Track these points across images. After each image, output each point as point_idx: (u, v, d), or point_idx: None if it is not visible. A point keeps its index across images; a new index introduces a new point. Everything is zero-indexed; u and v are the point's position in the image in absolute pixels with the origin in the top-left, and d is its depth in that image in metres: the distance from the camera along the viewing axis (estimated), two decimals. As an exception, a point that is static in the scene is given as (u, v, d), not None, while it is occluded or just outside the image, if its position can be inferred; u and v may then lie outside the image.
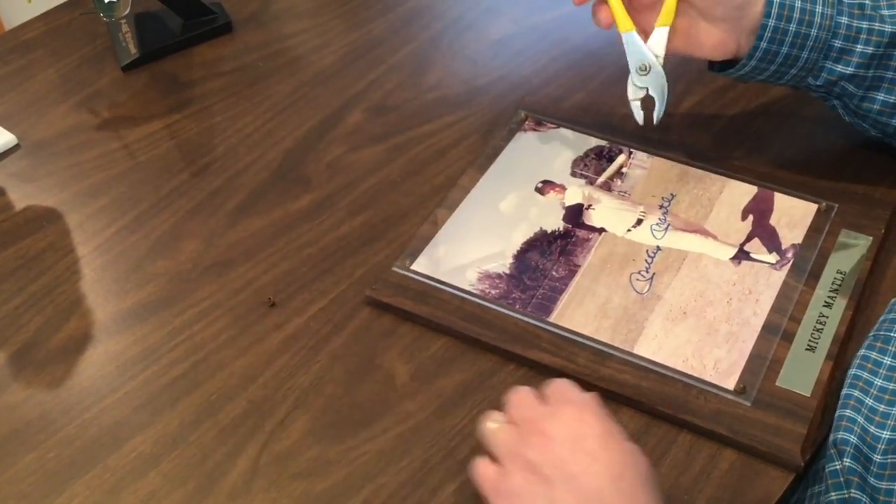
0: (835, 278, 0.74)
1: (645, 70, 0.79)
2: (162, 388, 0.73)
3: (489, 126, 0.91)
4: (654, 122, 0.81)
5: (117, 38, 1.03)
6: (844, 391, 0.65)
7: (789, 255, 0.76)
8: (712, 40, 0.78)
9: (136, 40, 1.03)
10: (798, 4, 0.74)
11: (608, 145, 0.87)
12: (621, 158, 0.85)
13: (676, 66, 0.81)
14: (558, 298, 0.75)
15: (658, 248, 0.78)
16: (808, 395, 0.67)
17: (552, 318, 0.73)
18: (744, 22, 0.76)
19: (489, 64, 0.99)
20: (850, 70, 0.76)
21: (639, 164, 0.85)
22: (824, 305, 0.72)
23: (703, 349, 0.71)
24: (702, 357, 0.70)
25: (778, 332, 0.71)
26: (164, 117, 0.96)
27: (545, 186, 0.84)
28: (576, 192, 0.83)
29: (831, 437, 0.64)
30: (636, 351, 0.71)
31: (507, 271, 0.77)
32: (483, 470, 0.61)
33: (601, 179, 0.84)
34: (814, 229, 0.78)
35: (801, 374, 0.69)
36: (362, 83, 0.98)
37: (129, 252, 0.83)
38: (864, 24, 0.74)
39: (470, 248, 0.79)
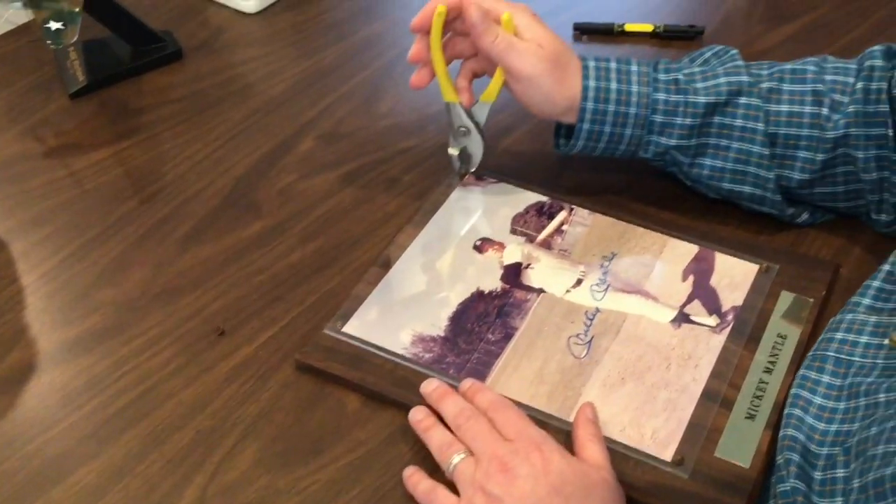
0: (775, 342, 0.73)
1: (465, 133, 0.85)
2: (108, 418, 0.71)
3: (441, 154, 0.91)
4: (469, 171, 0.87)
5: (64, 66, 1.02)
6: (787, 410, 0.67)
7: (729, 317, 0.75)
8: (540, 112, 0.82)
9: (85, 68, 1.02)
10: (614, 87, 0.78)
11: (549, 201, 0.85)
12: (562, 215, 0.84)
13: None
14: (493, 363, 0.73)
15: (597, 309, 0.76)
16: (748, 466, 0.65)
17: (487, 384, 0.71)
18: (567, 111, 0.80)
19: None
20: (673, 141, 0.79)
21: (580, 222, 0.83)
22: (764, 371, 0.71)
23: (640, 417, 0.69)
24: (639, 426, 0.68)
25: (717, 399, 0.69)
26: (112, 144, 0.95)
27: (484, 244, 0.82)
28: (515, 251, 0.81)
29: (778, 458, 0.65)
30: (572, 419, 0.68)
31: (442, 334, 0.75)
32: (444, 500, 0.63)
33: (541, 237, 0.82)
34: (754, 290, 0.76)
35: (740, 443, 0.67)
36: (314, 111, 0.98)
37: (75, 280, 0.82)
38: (681, 98, 0.78)
39: (404, 310, 0.77)
